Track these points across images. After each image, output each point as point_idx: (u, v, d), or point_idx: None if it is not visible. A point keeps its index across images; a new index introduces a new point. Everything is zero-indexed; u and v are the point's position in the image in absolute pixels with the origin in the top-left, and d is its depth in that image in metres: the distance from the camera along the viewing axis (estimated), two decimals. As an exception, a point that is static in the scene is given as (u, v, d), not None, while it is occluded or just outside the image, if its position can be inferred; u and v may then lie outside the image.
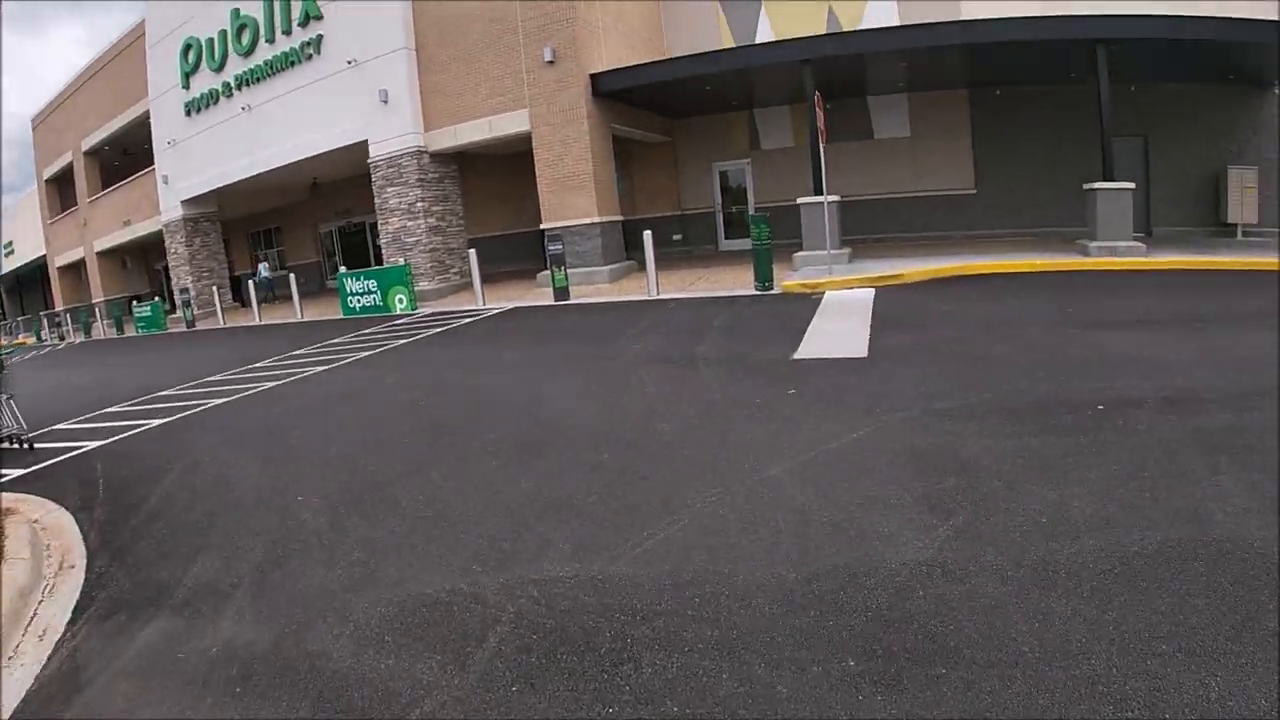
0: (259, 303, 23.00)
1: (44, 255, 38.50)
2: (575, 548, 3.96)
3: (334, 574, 4.04)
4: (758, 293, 12.79)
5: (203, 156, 24.43)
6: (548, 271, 15.94)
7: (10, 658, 3.74)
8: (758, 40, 19.75)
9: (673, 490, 4.57)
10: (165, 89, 25.39)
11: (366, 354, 11.94)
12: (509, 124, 17.82)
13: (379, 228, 20.55)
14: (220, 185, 24.42)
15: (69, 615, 4.09)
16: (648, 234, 14.20)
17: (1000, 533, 3.56)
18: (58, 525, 5.54)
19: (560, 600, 3.46)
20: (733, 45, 19.51)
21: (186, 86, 24.40)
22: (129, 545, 4.91)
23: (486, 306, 16.16)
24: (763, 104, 20.70)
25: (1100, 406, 5.17)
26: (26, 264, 42.46)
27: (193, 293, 25.92)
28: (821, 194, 14.02)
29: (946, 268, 12.90)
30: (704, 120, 21.67)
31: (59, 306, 36.69)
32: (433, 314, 16.51)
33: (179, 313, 26.23)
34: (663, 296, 13.73)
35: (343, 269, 20.59)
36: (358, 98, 19.64)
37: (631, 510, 4.35)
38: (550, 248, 15.44)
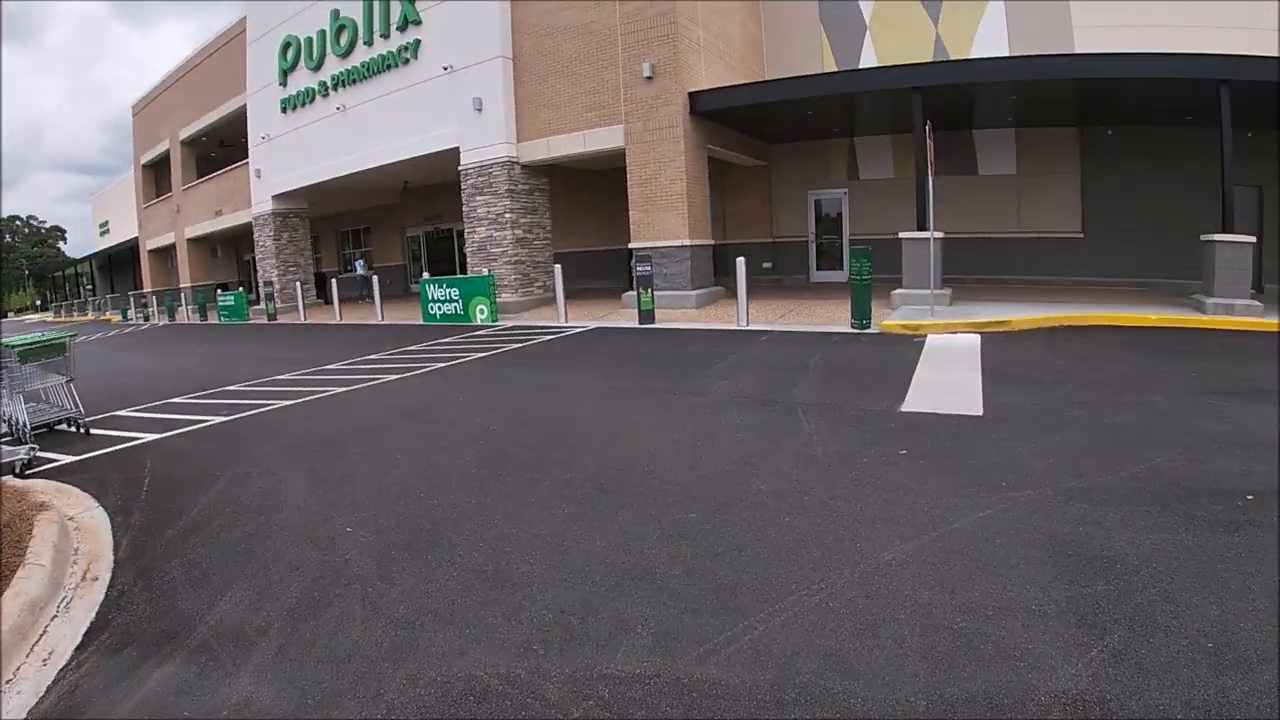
0: (341, 302, 23.06)
1: (136, 237, 39.85)
2: (656, 636, 3.29)
3: (373, 634, 3.46)
4: (854, 330, 12.07)
5: (296, 153, 24.80)
6: (633, 292, 15.44)
7: (9, 681, 3.29)
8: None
9: (772, 569, 3.86)
10: (263, 85, 25.94)
11: (441, 365, 11.56)
12: (603, 139, 17.44)
13: (465, 236, 20.38)
14: (311, 183, 24.75)
15: (79, 640, 3.64)
16: (741, 260, 13.56)
17: (1163, 660, 2.89)
18: (92, 526, 5.16)
19: (636, 709, 2.79)
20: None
21: (284, 84, 24.87)
22: (159, 562, 4.46)
23: (568, 324, 15.75)
24: (863, 132, 19.98)
25: (1250, 496, 4.44)
26: (119, 244, 44.29)
27: (276, 286, 26.27)
28: (927, 229, 13.22)
29: (1055, 316, 12.05)
30: (801, 146, 21.03)
31: (147, 288, 37.82)
32: (513, 328, 16.16)
33: (262, 304, 26.56)
34: (753, 327, 13.09)
35: (426, 275, 20.45)
36: (452, 105, 19.58)
37: (724, 592, 3.66)
38: (638, 268, 14.95)
